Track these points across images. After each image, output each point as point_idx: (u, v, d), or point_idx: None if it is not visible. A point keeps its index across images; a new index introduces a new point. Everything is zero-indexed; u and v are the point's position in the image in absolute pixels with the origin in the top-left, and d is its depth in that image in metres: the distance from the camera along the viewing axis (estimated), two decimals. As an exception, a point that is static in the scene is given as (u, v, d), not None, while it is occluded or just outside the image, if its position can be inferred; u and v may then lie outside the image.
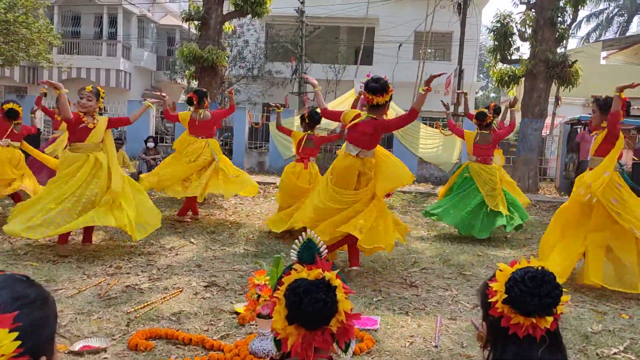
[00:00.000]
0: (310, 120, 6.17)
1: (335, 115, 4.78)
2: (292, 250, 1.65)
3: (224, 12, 13.42)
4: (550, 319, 1.32)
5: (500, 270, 1.40)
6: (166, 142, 15.62)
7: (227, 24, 13.85)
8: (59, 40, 17.83)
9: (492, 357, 1.39)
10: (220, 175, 6.65)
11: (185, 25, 16.90)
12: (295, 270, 1.48)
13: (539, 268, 1.36)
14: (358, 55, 20.49)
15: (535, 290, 1.31)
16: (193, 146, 6.62)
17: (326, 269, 1.48)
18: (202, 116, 6.68)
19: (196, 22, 13.44)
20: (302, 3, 19.37)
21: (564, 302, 1.35)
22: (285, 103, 10.14)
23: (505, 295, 1.33)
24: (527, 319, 1.31)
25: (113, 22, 23.89)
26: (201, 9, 13.18)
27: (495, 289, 1.36)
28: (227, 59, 13.95)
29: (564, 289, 1.36)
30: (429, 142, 12.61)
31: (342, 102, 11.10)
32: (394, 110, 11.45)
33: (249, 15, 13.77)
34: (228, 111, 7.17)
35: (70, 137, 4.99)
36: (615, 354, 3.22)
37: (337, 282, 1.44)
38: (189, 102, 6.95)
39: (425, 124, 12.79)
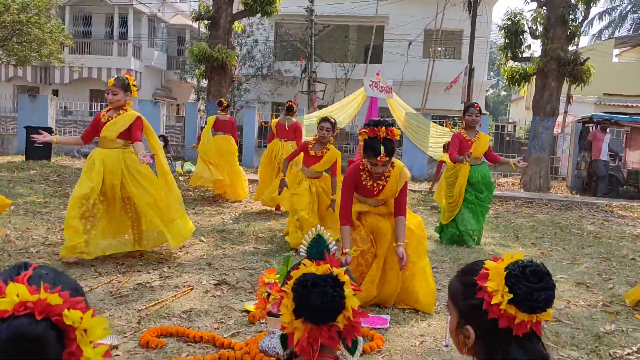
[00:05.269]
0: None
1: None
2: (301, 246, 1.64)
3: (234, 12, 13.48)
4: (550, 310, 1.24)
5: (488, 268, 1.25)
6: (176, 141, 15.71)
7: (236, 23, 13.90)
8: (71, 40, 18.03)
9: None
10: None
11: (195, 24, 16.98)
12: (304, 265, 1.48)
13: (529, 260, 1.26)
14: (367, 54, 20.46)
15: (540, 285, 1.21)
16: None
17: (334, 264, 1.48)
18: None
19: (206, 22, 13.52)
20: (311, 2, 19.37)
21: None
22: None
23: (511, 295, 1.20)
24: (531, 315, 1.21)
25: (124, 22, 24.08)
26: (211, 8, 13.24)
27: (492, 289, 1.22)
28: (236, 58, 14.00)
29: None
30: (439, 141, 12.55)
31: (352, 101, 11.07)
32: (403, 109, 11.40)
33: (259, 15, 13.82)
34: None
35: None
36: (628, 354, 3.18)
37: (345, 278, 1.42)
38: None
39: (435, 122, 12.73)
